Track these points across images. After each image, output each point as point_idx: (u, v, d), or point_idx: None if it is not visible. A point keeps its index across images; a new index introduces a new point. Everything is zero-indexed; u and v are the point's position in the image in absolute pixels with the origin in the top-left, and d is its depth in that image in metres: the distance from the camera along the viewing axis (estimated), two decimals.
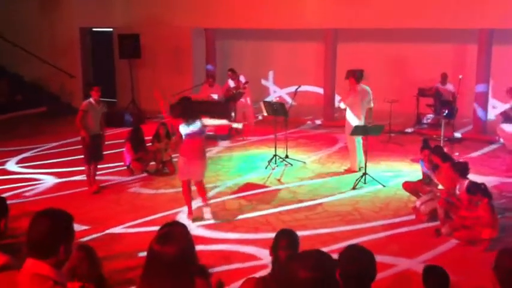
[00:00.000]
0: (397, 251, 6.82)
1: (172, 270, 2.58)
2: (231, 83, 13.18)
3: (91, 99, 9.01)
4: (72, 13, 16.21)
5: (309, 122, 14.61)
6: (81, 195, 9.07)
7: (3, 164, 11.10)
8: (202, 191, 7.95)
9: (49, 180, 9.91)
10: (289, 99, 16.26)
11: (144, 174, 10.21)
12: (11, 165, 11.00)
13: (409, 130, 13.37)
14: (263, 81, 17.42)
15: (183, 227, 2.83)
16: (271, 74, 17.35)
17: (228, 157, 11.35)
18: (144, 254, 5.95)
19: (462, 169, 7.38)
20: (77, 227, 3.29)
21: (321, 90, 15.18)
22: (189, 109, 7.86)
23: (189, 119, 7.54)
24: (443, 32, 13.80)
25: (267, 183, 9.64)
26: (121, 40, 15.49)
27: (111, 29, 16.84)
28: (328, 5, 13.78)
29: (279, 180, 9.84)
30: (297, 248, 3.52)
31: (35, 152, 12.03)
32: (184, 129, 7.57)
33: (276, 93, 17.28)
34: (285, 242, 3.53)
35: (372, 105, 10.11)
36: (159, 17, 15.67)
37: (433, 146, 8.46)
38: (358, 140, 10.14)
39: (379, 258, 3.08)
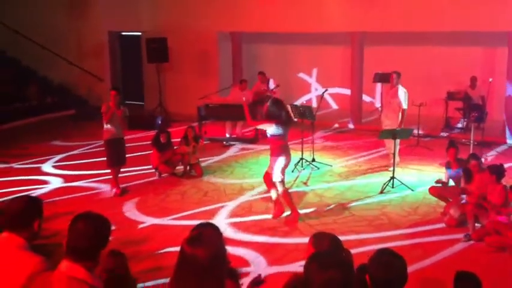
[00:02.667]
0: (424, 256, 6.74)
1: (202, 272, 2.58)
2: (272, 85, 13.34)
3: (109, 103, 9.04)
4: (101, 17, 16.43)
5: (336, 125, 14.54)
6: (107, 197, 9.18)
7: (40, 162, 11.34)
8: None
9: (77, 182, 10.04)
10: (329, 100, 16.46)
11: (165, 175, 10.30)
12: (47, 166, 11.18)
13: (442, 134, 13.16)
14: (306, 77, 17.31)
15: (216, 229, 2.82)
16: (315, 71, 17.22)
17: (255, 160, 11.35)
18: (168, 250, 5.91)
19: (498, 172, 7.26)
20: None
21: (348, 93, 15.10)
22: (286, 111, 7.87)
23: (284, 120, 7.66)
24: (473, 35, 13.61)
25: (293, 187, 9.62)
26: (149, 44, 15.67)
27: (139, 33, 17.05)
28: (354, 9, 13.71)
29: (305, 183, 9.82)
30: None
31: (74, 152, 12.25)
32: (272, 130, 7.64)
33: (317, 91, 17.11)
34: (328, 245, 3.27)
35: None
36: (186, 22, 15.79)
37: (470, 154, 8.34)
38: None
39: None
